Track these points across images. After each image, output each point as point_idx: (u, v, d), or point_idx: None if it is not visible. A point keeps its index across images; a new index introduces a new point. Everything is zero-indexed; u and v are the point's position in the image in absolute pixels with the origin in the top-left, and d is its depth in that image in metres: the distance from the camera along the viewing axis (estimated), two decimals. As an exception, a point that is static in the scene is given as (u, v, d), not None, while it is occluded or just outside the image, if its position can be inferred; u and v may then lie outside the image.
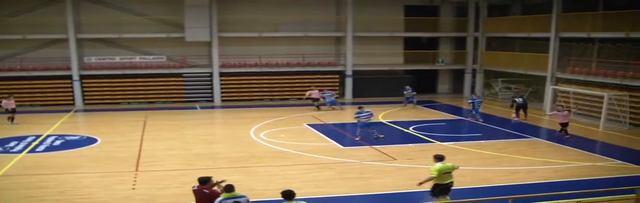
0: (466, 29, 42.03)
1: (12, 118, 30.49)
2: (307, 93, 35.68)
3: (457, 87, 44.55)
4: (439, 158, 14.99)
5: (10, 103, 30.57)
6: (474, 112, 30.86)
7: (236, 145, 24.31)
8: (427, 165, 20.14)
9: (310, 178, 18.78)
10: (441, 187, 14.84)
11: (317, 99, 35.59)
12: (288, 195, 11.75)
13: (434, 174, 14.62)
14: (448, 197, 14.92)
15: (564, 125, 25.55)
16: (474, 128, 29.41)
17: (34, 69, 37.64)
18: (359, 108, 25.70)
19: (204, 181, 13.02)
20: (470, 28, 41.77)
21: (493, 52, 40.43)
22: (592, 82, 30.97)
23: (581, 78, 31.61)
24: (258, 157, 22.16)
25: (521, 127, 28.68)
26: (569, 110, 26.94)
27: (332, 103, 35.89)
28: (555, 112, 26.80)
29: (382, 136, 25.61)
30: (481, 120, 30.29)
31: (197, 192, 12.88)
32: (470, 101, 30.94)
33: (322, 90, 36.71)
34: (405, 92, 36.19)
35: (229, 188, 12.30)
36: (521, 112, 31.43)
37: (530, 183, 18.05)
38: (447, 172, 14.79)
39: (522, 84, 39.13)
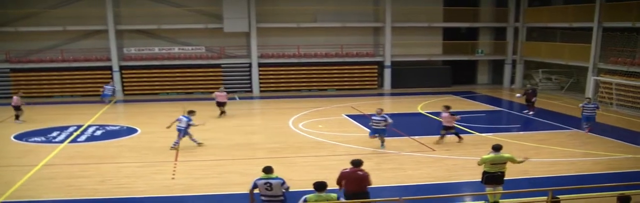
0: (506, 19, 41.60)
1: (16, 116, 28.67)
2: (214, 94, 30.24)
3: (496, 78, 44.21)
4: (494, 148, 15.19)
5: (16, 100, 28.67)
6: (583, 120, 25.19)
7: (274, 136, 24.35)
8: (465, 156, 20.15)
9: (348, 169, 18.74)
10: (487, 175, 15.00)
11: (223, 103, 30.04)
12: (320, 186, 11.80)
13: (479, 162, 15.14)
14: (500, 188, 14.91)
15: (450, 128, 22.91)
16: (513, 120, 29.20)
17: (75, 60, 38.18)
18: (189, 113, 22.60)
19: (358, 163, 13.43)
20: (510, 18, 41.34)
21: (534, 42, 39.99)
22: (635, 72, 30.44)
23: (624, 69, 31.10)
24: (296, 147, 22.19)
25: (562, 119, 28.30)
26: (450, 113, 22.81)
27: (106, 96, 35.26)
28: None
29: (202, 143, 22.75)
30: (586, 130, 24.77)
31: (350, 173, 13.25)
32: (581, 105, 25.11)
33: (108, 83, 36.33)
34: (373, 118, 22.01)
35: (267, 169, 12.76)
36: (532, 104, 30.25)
37: (571, 175, 17.85)
38: (498, 163, 14.94)
39: (563, 75, 38.73)
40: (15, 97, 28.81)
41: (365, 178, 13.23)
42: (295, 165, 19.19)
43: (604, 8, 32.28)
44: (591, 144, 22.35)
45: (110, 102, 35.21)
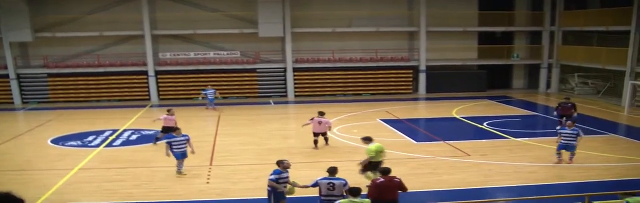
0: (542, 23, 41.21)
1: None
2: (162, 118, 24.32)
3: (532, 83, 43.83)
4: (370, 139, 17.20)
5: None
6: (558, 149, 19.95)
7: (309, 140, 24.24)
8: (500, 161, 20.00)
9: (383, 174, 18.70)
10: (374, 164, 16.63)
11: (173, 128, 21.13)
12: (354, 191, 11.89)
13: (373, 154, 16.66)
14: (378, 173, 15.11)
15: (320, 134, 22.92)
16: (549, 124, 28.93)
17: (111, 65, 38.58)
18: (175, 131, 19.20)
19: (388, 171, 13.44)
20: (546, 22, 40.94)
21: (570, 46, 39.60)
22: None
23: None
24: (331, 152, 22.18)
25: (598, 123, 27.97)
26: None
27: (211, 101, 34.22)
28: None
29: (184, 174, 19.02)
30: (558, 160, 19.92)
31: (387, 182, 13.14)
32: (557, 129, 20.71)
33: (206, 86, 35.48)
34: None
35: (331, 170, 13.44)
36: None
37: (607, 180, 17.60)
38: (382, 151, 16.87)
39: (600, 79, 38.33)
40: None
41: (402, 185, 13.19)
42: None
43: (641, 11, 31.91)
44: (628, 149, 22.05)
45: (214, 108, 34.22)
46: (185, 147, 18.71)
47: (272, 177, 13.75)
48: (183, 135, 18.69)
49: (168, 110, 24.42)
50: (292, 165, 14.33)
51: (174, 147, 18.49)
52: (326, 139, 23.27)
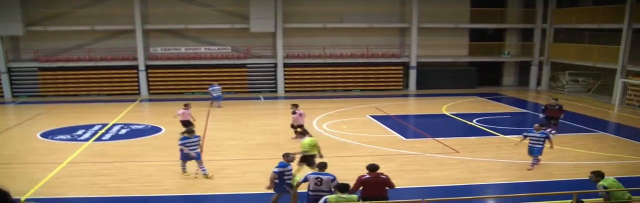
0: (534, 20, 41.24)
1: None
2: (180, 113, 24.38)
3: (522, 80, 43.88)
4: (303, 133, 18.51)
5: None
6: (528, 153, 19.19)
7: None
8: (489, 159, 20.02)
9: (371, 170, 18.69)
10: (308, 158, 17.41)
11: (187, 122, 24.00)
12: (343, 187, 11.92)
13: (307, 148, 17.35)
14: (316, 168, 15.45)
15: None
16: (538, 122, 28.97)
17: (102, 59, 38.49)
18: (189, 132, 17.94)
19: (376, 168, 13.36)
20: (538, 19, 40.98)
21: (561, 43, 39.65)
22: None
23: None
24: (320, 147, 22.11)
25: (588, 121, 28.01)
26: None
27: (219, 99, 33.42)
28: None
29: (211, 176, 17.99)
30: (534, 164, 19.03)
31: (373, 179, 13.11)
32: (524, 134, 19.54)
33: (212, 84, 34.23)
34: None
35: (322, 166, 13.57)
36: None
37: (596, 178, 17.65)
38: (315, 145, 17.57)
39: (590, 77, 38.41)
40: None
41: (389, 182, 13.19)
42: (318, 166, 19.15)
43: (634, 9, 31.89)
44: (617, 148, 22.10)
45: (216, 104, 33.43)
46: (197, 148, 17.82)
47: (276, 169, 13.97)
48: (196, 136, 17.88)
49: (185, 105, 24.59)
50: (279, 161, 14.33)
51: (186, 148, 17.57)
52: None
